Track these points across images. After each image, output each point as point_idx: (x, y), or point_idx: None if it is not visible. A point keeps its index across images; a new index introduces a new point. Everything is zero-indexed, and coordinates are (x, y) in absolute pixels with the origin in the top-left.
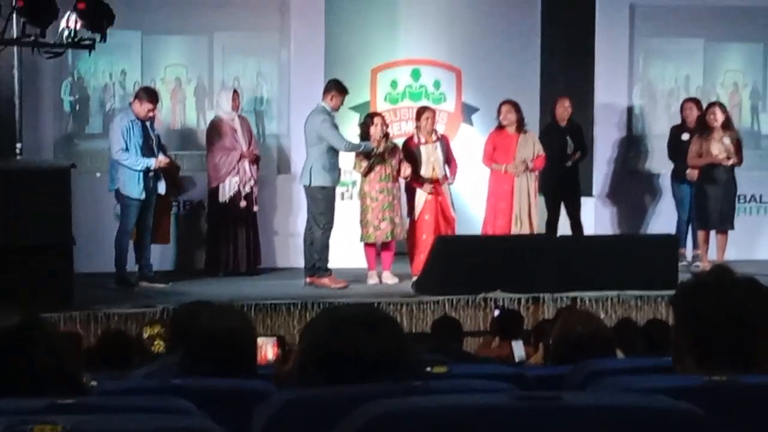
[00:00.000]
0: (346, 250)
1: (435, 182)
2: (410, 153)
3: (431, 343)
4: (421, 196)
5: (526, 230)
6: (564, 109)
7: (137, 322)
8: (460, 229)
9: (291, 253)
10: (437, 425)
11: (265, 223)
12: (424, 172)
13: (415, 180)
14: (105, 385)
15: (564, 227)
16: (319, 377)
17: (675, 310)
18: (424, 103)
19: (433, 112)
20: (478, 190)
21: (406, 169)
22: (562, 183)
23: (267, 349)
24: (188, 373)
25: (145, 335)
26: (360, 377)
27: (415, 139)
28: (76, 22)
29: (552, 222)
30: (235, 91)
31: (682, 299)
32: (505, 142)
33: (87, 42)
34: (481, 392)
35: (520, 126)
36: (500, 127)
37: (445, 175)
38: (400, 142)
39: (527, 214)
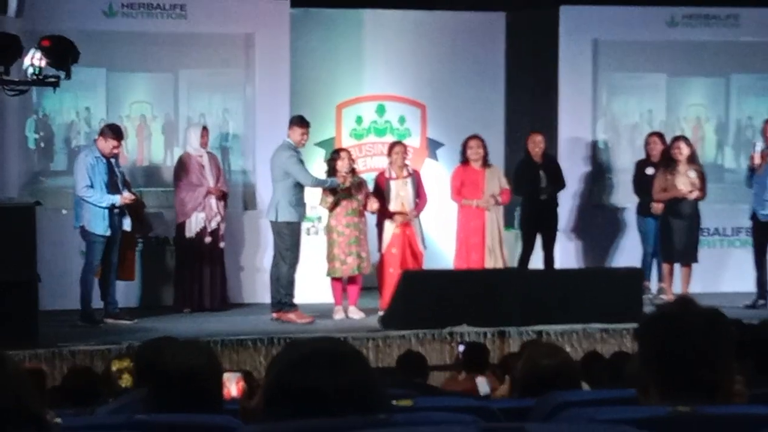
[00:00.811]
0: (312, 285)
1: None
2: (379, 188)
3: (396, 378)
4: (389, 229)
5: (499, 263)
6: (534, 144)
7: (103, 358)
8: (428, 264)
9: (257, 288)
10: None
11: (232, 258)
12: (393, 207)
13: (385, 213)
14: (69, 422)
15: (536, 260)
16: (284, 412)
17: (639, 341)
18: (389, 138)
19: (404, 147)
20: (445, 225)
21: (373, 204)
22: (539, 217)
23: (232, 385)
24: (153, 409)
25: (114, 368)
26: (326, 411)
27: (387, 174)
28: (40, 60)
29: (525, 256)
30: (204, 128)
31: (645, 330)
32: (473, 178)
33: (52, 79)
34: (446, 424)
35: (485, 161)
36: (465, 163)
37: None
38: (365, 177)
39: (499, 247)
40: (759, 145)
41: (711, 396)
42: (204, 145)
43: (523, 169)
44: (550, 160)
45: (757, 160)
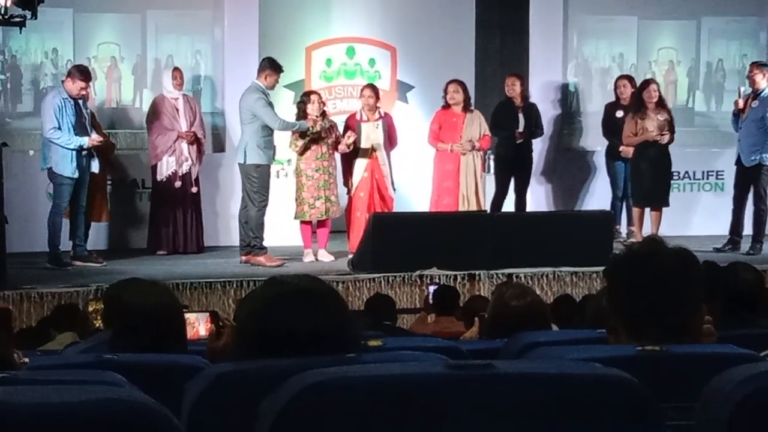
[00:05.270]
0: (282, 228)
1: (372, 160)
2: (349, 130)
3: (364, 321)
4: (358, 173)
5: (473, 209)
6: (508, 87)
7: (71, 301)
8: (400, 208)
9: (226, 231)
10: (369, 394)
11: (206, 201)
12: (362, 150)
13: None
14: (36, 361)
15: (508, 204)
16: (255, 352)
17: (608, 281)
18: (359, 81)
19: (375, 89)
20: (417, 168)
21: (350, 137)
22: (513, 161)
23: (200, 325)
24: (118, 348)
25: (90, 309)
26: (296, 351)
27: (358, 116)
28: None
29: (498, 199)
30: (175, 69)
31: (614, 269)
32: (452, 122)
33: (18, 19)
34: (415, 362)
35: (467, 105)
36: (446, 107)
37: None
38: (335, 120)
39: (474, 193)
40: (743, 90)
41: (679, 335)
42: (177, 86)
43: (501, 111)
44: (530, 104)
45: (741, 105)
